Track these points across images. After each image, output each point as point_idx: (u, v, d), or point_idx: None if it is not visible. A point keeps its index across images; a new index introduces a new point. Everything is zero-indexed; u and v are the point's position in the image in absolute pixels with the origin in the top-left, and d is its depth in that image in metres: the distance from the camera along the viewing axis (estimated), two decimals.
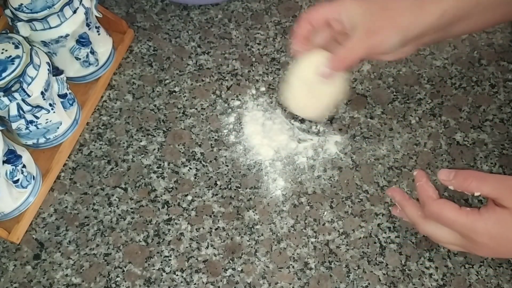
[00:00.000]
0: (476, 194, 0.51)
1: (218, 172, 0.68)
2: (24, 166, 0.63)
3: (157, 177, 0.68)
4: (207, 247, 0.63)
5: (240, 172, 0.68)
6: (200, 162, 0.69)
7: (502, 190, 0.49)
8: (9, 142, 0.63)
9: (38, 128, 0.65)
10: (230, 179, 0.68)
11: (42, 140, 0.68)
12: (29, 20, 0.64)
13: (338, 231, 0.64)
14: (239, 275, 0.62)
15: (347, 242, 0.63)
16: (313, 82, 0.65)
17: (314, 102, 0.65)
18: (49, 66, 0.64)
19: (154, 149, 0.70)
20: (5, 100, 0.59)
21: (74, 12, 0.66)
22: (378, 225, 0.64)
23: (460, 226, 0.50)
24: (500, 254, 0.54)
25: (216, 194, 0.67)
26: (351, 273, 0.61)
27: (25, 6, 0.64)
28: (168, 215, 0.66)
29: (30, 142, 0.68)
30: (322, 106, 0.65)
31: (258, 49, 0.78)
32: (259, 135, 0.71)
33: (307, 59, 0.67)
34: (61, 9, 0.64)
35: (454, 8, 0.53)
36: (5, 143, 0.61)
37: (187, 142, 0.71)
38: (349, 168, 0.68)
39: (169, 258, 0.63)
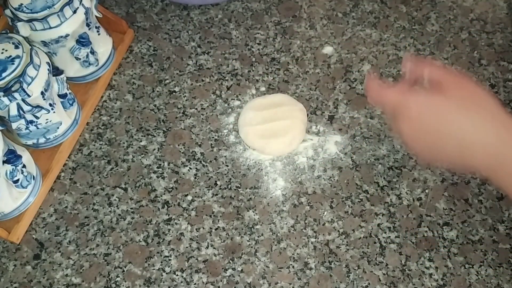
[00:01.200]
0: (426, 77, 0.51)
1: (218, 172, 0.68)
2: (24, 166, 0.63)
3: (157, 177, 0.68)
4: (207, 247, 0.63)
5: (240, 172, 0.68)
6: (200, 162, 0.69)
7: (449, 78, 0.50)
8: (9, 142, 0.63)
9: (38, 128, 0.65)
10: (230, 179, 0.68)
11: (42, 140, 0.68)
12: (29, 20, 0.64)
13: (338, 231, 0.64)
14: (239, 275, 0.62)
15: (347, 242, 0.63)
16: (271, 120, 0.70)
17: (274, 140, 0.68)
18: (49, 66, 0.64)
19: (154, 149, 0.70)
20: (5, 100, 0.59)
21: (74, 12, 0.66)
22: (378, 225, 0.64)
23: (396, 97, 0.50)
24: (418, 142, 0.51)
25: (216, 194, 0.67)
26: (351, 273, 0.61)
27: (25, 6, 0.64)
28: (168, 215, 0.66)
29: (30, 142, 0.68)
30: (284, 142, 0.68)
31: (258, 49, 0.78)
32: None
33: (263, 99, 0.71)
34: (61, 9, 0.64)
35: None
36: (5, 143, 0.61)
37: (187, 142, 0.71)
38: (349, 168, 0.68)
39: (169, 258, 0.63)
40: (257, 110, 0.71)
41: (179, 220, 0.65)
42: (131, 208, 0.66)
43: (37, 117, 0.64)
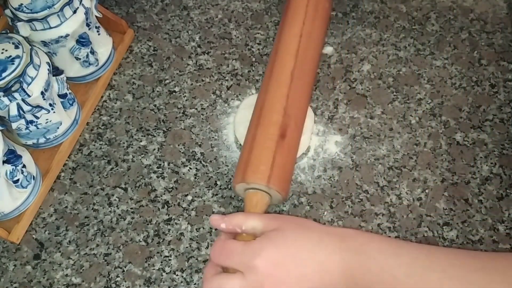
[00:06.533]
0: (244, 228, 0.50)
1: (218, 172, 0.68)
2: (24, 166, 0.63)
3: (157, 177, 0.68)
4: (207, 247, 0.63)
5: None
6: (200, 162, 0.69)
7: (265, 219, 0.49)
8: (9, 142, 0.63)
9: (38, 128, 0.65)
10: (230, 179, 0.68)
11: (42, 140, 0.68)
12: (29, 20, 0.64)
13: None
14: None
15: None
16: None
17: None
18: (49, 66, 0.64)
19: (154, 149, 0.70)
20: (5, 100, 0.59)
21: (74, 12, 0.66)
22: (378, 225, 0.64)
23: (242, 253, 0.47)
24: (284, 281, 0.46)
25: (216, 194, 0.67)
26: None
27: (25, 6, 0.64)
28: (168, 215, 0.66)
29: (30, 142, 0.68)
30: None
31: (258, 49, 0.78)
32: None
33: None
34: (61, 9, 0.64)
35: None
36: (5, 143, 0.61)
37: (187, 142, 0.71)
38: (349, 168, 0.68)
39: (169, 258, 0.63)
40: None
41: (179, 220, 0.65)
42: (131, 208, 0.66)
43: (37, 117, 0.64)
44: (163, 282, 0.62)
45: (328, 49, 0.77)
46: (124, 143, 0.71)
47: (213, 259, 0.49)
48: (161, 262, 0.63)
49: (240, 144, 0.69)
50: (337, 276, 0.45)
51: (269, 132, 0.59)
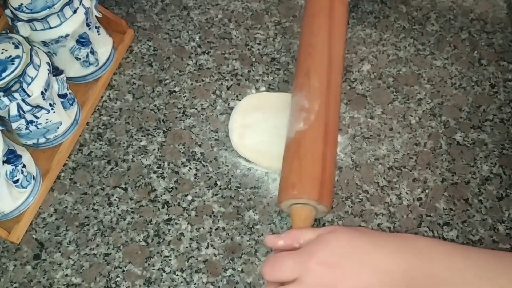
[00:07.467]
0: (302, 242, 0.48)
1: (218, 172, 0.68)
2: (24, 166, 0.63)
3: (157, 177, 0.68)
4: (207, 247, 0.63)
5: (240, 172, 0.68)
6: (200, 162, 0.69)
7: (319, 229, 0.48)
8: (9, 142, 0.63)
9: (38, 128, 0.65)
10: (230, 179, 0.68)
11: (42, 140, 0.68)
12: (29, 20, 0.64)
13: None
14: (239, 275, 0.62)
15: None
16: (268, 127, 0.67)
17: (267, 153, 0.66)
18: (49, 66, 0.64)
19: (154, 149, 0.70)
20: (5, 100, 0.59)
21: (74, 12, 0.66)
22: (378, 225, 0.64)
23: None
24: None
25: (216, 194, 0.67)
26: None
27: (25, 6, 0.64)
28: (168, 215, 0.66)
29: (30, 142, 0.68)
30: (279, 157, 0.65)
31: (258, 49, 0.78)
32: None
33: (257, 98, 0.70)
34: (61, 9, 0.64)
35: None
36: (5, 143, 0.61)
37: (187, 142, 0.71)
38: (349, 168, 0.68)
39: (169, 258, 0.63)
40: (250, 111, 0.69)
41: (179, 220, 0.65)
42: (131, 208, 0.66)
43: (37, 117, 0.64)
44: (163, 282, 0.62)
45: None
46: (124, 143, 0.71)
47: (266, 277, 0.47)
48: (161, 262, 0.63)
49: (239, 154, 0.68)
50: (396, 277, 0.43)
51: (314, 147, 0.56)
